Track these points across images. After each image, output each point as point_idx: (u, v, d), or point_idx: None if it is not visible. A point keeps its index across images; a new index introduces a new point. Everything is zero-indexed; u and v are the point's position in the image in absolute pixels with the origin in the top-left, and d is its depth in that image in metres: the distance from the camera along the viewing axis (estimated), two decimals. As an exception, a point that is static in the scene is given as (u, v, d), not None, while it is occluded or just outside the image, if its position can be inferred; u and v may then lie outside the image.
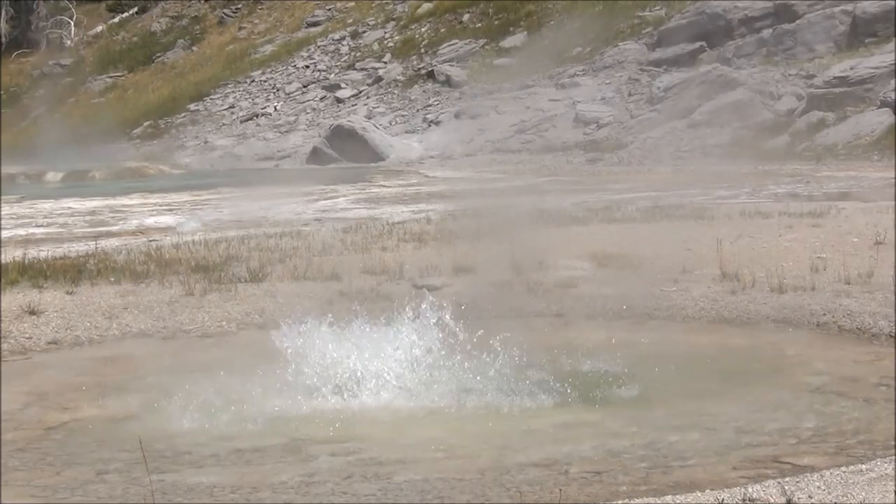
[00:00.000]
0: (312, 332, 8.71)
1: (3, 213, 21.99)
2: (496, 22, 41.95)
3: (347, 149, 34.50)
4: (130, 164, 37.88)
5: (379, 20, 46.63)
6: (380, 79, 41.70)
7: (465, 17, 43.42)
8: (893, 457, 6.24)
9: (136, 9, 58.48)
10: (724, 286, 11.33)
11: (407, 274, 12.14)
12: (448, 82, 39.27)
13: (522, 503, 6.11)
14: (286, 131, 39.93)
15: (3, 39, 56.92)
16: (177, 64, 51.88)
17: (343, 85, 42.24)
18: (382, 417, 8.00)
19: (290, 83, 44.20)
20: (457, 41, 41.77)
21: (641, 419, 7.66)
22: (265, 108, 42.94)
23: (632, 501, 5.68)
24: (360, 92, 41.48)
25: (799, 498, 5.42)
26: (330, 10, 49.77)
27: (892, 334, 9.61)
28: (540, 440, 7.33)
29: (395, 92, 40.38)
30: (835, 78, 29.41)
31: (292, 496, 6.46)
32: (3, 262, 12.92)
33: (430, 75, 40.21)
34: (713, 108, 30.83)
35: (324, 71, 44.23)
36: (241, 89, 45.09)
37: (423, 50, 42.54)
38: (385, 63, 42.79)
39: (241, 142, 39.85)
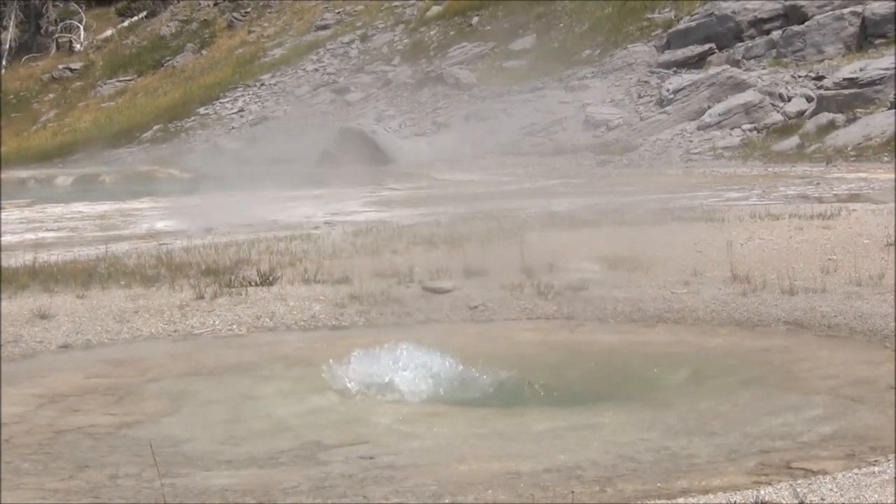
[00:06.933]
0: None
1: (14, 216, 22.06)
2: (505, 24, 41.96)
3: (357, 152, 34.49)
4: (140, 168, 37.95)
5: (388, 23, 46.67)
6: (389, 81, 41.72)
7: (475, 19, 43.43)
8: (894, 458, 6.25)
9: (145, 13, 58.59)
10: (734, 288, 11.31)
11: (417, 277, 12.14)
12: (457, 85, 39.29)
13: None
14: (296, 134, 39.94)
15: (13, 44, 57.03)
16: (186, 67, 51.97)
17: (352, 88, 42.27)
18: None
19: (299, 86, 44.26)
20: (466, 44, 41.79)
21: (653, 422, 7.65)
22: (275, 111, 42.99)
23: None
24: (370, 95, 41.51)
25: (811, 500, 5.41)
26: (339, 13, 49.83)
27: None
28: (550, 443, 7.32)
29: (405, 95, 40.40)
30: (844, 79, 29.37)
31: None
32: (13, 266, 12.97)
33: (440, 78, 40.23)
34: (723, 109, 30.83)
35: (333, 74, 44.28)
36: (251, 93, 45.15)
37: (432, 53, 42.57)
38: (394, 66, 42.81)
39: (251, 145, 39.89)
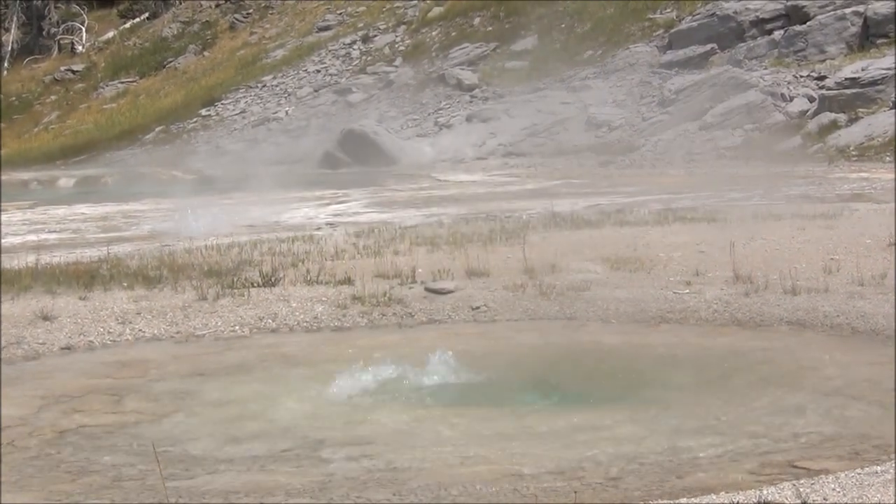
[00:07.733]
0: None
1: (16, 218, 22.08)
2: (507, 25, 41.94)
3: (359, 153, 34.49)
4: (142, 170, 37.96)
5: (390, 24, 46.66)
6: (391, 82, 41.71)
7: (476, 20, 43.41)
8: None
9: (147, 14, 58.59)
10: (737, 288, 11.31)
11: (420, 277, 12.14)
12: (459, 86, 39.28)
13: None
14: (298, 136, 39.95)
15: (15, 45, 57.05)
16: (188, 69, 51.96)
17: (354, 89, 42.27)
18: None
19: (301, 87, 44.25)
20: (468, 44, 41.78)
21: (656, 422, 7.65)
22: (277, 112, 43.00)
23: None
24: (372, 96, 41.50)
25: (814, 500, 5.40)
26: (341, 14, 49.82)
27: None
28: (552, 443, 7.32)
29: (407, 96, 40.38)
30: (846, 79, 29.34)
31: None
32: (16, 268, 12.98)
33: (442, 79, 40.22)
34: (725, 110, 30.78)
35: (335, 75, 44.27)
36: (253, 94, 45.14)
37: (434, 53, 42.56)
38: (396, 67, 42.81)
39: (253, 146, 39.89)
